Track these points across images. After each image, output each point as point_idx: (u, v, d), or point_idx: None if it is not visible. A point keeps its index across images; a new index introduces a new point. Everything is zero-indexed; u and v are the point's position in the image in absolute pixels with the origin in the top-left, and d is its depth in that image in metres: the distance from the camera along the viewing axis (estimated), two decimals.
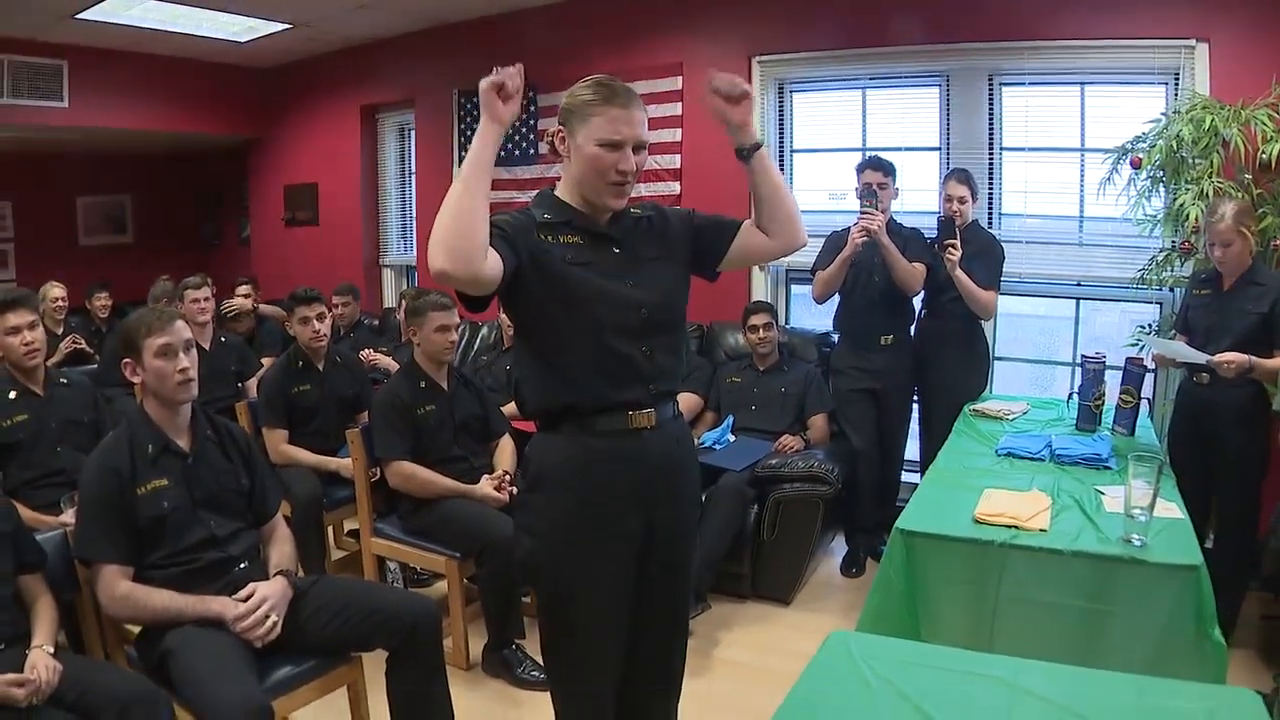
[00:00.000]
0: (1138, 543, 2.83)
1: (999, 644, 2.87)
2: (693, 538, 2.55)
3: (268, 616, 2.82)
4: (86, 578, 2.86)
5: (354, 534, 5.05)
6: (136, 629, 2.92)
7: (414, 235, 8.34)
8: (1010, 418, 4.49)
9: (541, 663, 3.83)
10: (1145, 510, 2.87)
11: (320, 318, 4.94)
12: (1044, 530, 2.98)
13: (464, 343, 6.72)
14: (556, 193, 2.40)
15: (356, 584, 3.46)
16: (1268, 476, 3.95)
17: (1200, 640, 2.71)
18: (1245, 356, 3.63)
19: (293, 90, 8.84)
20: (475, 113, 7.12)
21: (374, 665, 3.09)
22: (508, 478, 4.19)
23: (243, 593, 2.85)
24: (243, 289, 7.20)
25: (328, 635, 2.96)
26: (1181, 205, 4.46)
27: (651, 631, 2.50)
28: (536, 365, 2.35)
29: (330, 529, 5.01)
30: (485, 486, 4.15)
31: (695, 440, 4.37)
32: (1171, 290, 4.91)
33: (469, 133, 7.41)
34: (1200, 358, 3.72)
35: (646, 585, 2.44)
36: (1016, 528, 2.98)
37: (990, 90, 5.59)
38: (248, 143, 9.31)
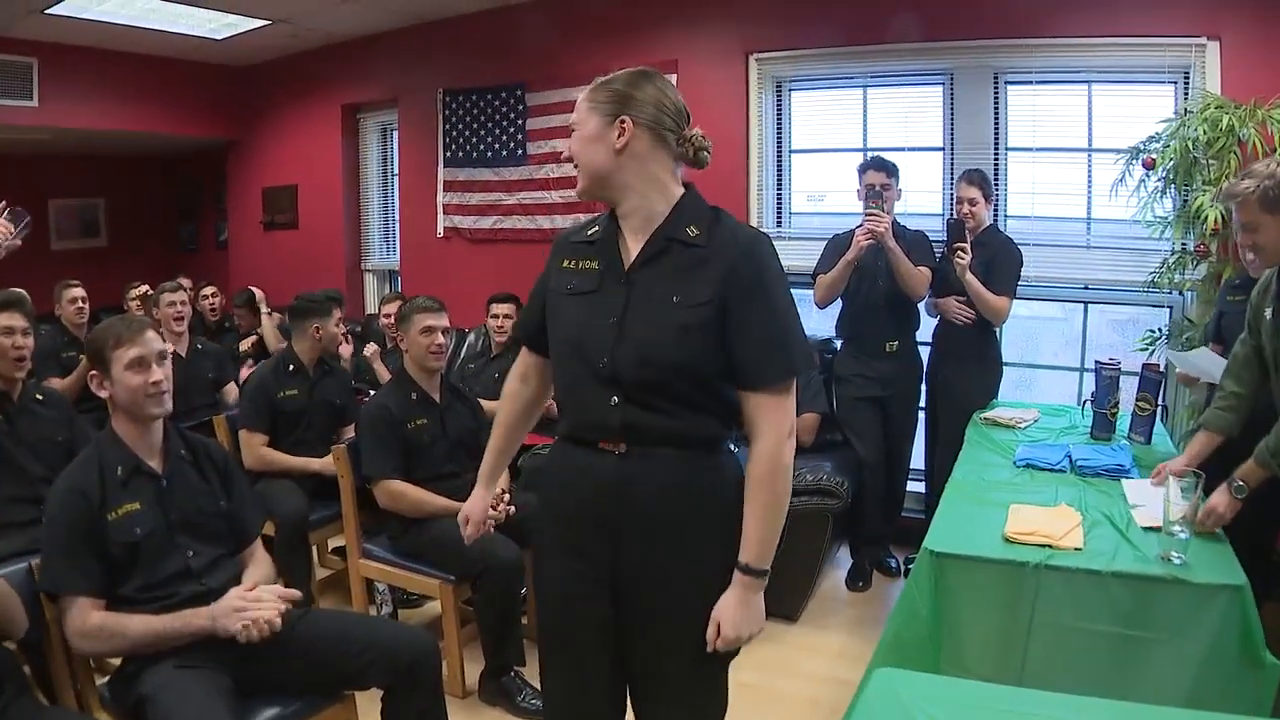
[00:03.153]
0: (1177, 561, 2.70)
1: (1030, 673, 2.72)
2: (677, 592, 2.21)
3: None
4: (54, 616, 2.62)
5: (340, 551, 4.89)
6: (108, 668, 2.73)
7: (396, 239, 8.19)
8: (1023, 426, 4.36)
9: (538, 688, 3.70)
10: (1185, 527, 2.73)
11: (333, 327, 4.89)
12: (1079, 549, 2.83)
13: (450, 349, 6.57)
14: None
15: (349, 617, 3.26)
16: None
17: (1248, 665, 2.57)
18: None
19: (272, 89, 8.68)
20: (460, 112, 7.06)
21: (367, 700, 2.91)
22: (505, 496, 4.02)
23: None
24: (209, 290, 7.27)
25: (319, 673, 2.77)
26: (1200, 207, 4.36)
27: (650, 693, 2.31)
28: None
29: (315, 548, 4.82)
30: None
31: None
32: (1182, 294, 4.83)
33: (453, 133, 7.32)
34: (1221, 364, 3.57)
35: (629, 634, 2.24)
36: (1050, 546, 2.83)
37: (995, 89, 5.49)
38: (225, 144, 9.14)
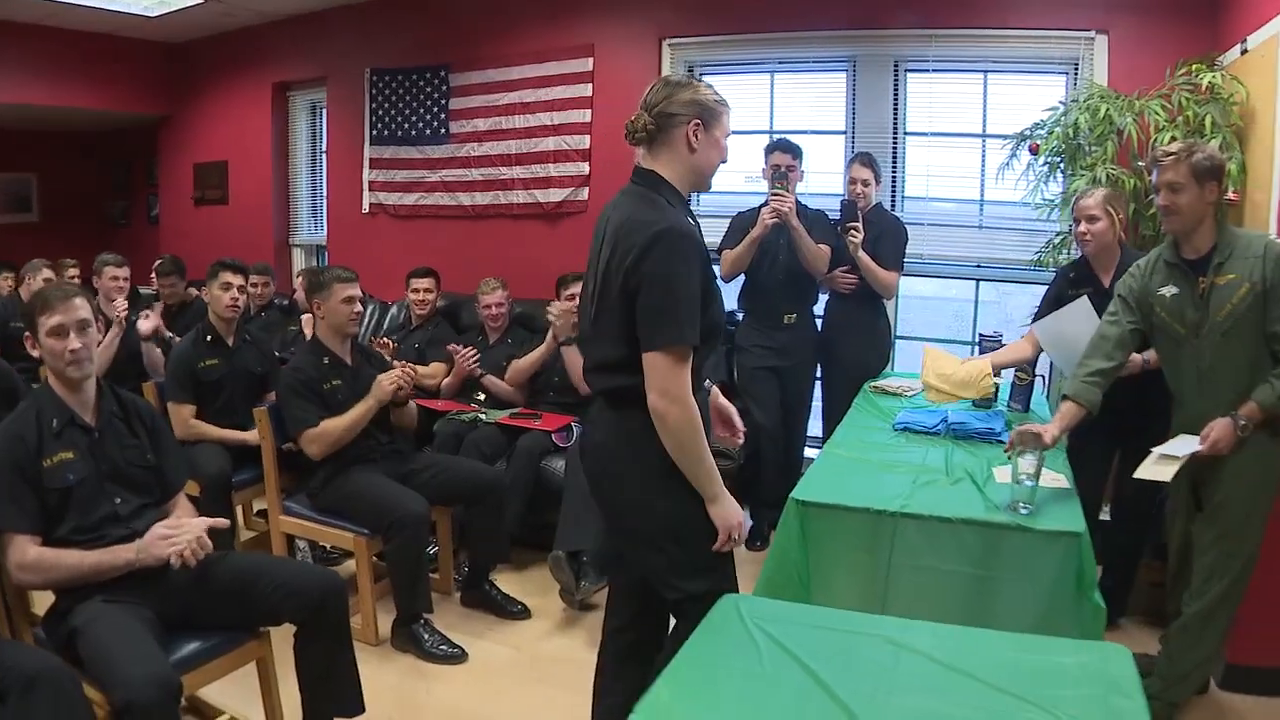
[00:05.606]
0: (1024, 511, 2.93)
1: (891, 609, 2.92)
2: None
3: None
4: None
5: (263, 514, 5.03)
6: (41, 609, 2.90)
7: (324, 215, 8.26)
8: (909, 394, 4.59)
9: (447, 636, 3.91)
10: (1031, 478, 2.97)
11: (241, 290, 4.89)
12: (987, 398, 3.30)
13: (373, 322, 6.72)
14: (671, 181, 2.58)
15: (264, 558, 3.43)
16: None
17: (1081, 603, 2.80)
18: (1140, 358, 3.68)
19: (204, 66, 8.70)
20: (386, 91, 7.20)
21: (283, 642, 3.10)
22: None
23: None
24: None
25: (235, 608, 2.97)
26: (1076, 190, 4.58)
27: None
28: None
29: (240, 509, 4.98)
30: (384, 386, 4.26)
31: None
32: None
33: (379, 111, 7.44)
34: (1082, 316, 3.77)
35: None
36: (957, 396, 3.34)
37: (895, 76, 5.72)
38: (157, 120, 9.14)
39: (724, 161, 2.64)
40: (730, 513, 2.52)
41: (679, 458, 2.45)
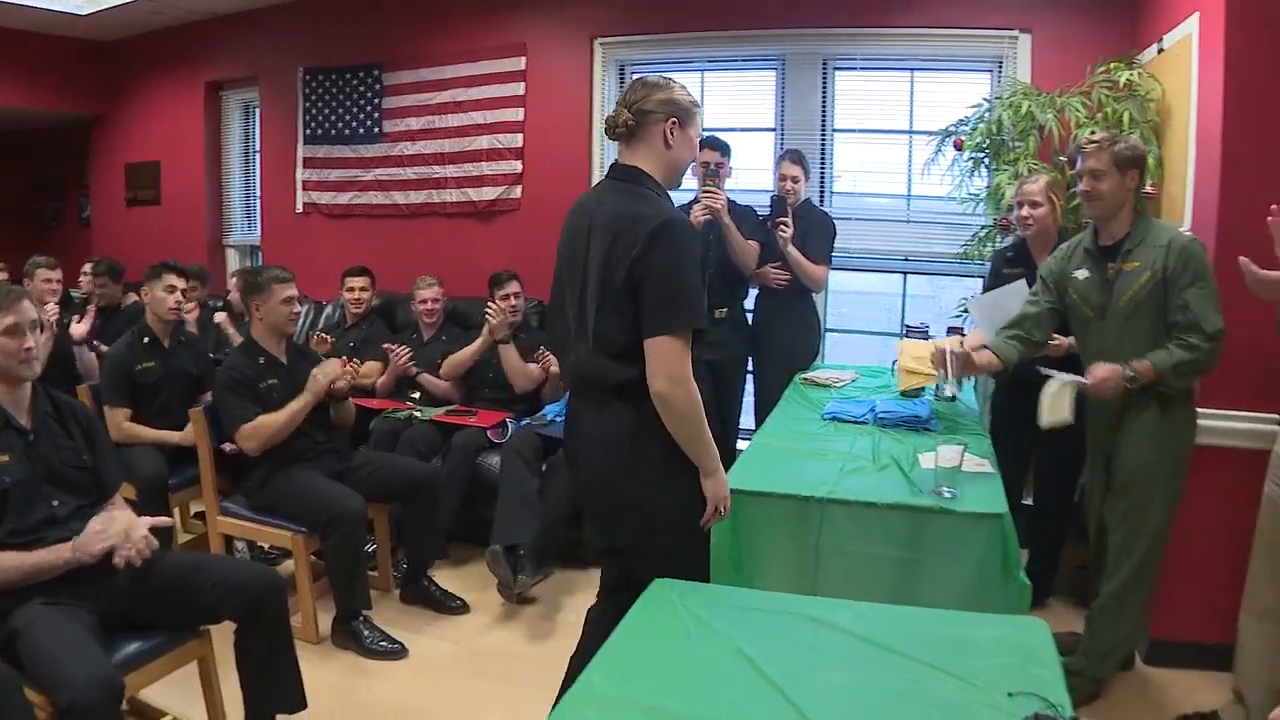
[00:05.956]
0: (948, 495, 3.02)
1: (821, 591, 2.98)
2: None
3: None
4: None
5: (200, 516, 5.03)
6: None
7: (258, 215, 8.19)
8: (839, 385, 4.69)
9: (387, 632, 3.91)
10: (955, 465, 3.05)
11: (184, 292, 4.92)
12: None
13: (308, 321, 6.72)
14: (650, 173, 2.70)
15: (202, 557, 3.44)
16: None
17: (1006, 582, 2.89)
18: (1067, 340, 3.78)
19: (135, 65, 8.58)
20: (320, 90, 7.19)
21: (224, 642, 3.11)
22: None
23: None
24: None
25: (176, 608, 2.98)
26: (999, 185, 4.72)
27: None
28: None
29: (177, 511, 4.96)
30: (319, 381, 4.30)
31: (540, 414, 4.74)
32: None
33: (313, 110, 7.42)
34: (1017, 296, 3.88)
35: None
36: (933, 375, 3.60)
37: (824, 74, 5.82)
38: (89, 119, 9.01)
39: (694, 160, 2.77)
40: (722, 486, 2.70)
41: (682, 437, 2.59)
